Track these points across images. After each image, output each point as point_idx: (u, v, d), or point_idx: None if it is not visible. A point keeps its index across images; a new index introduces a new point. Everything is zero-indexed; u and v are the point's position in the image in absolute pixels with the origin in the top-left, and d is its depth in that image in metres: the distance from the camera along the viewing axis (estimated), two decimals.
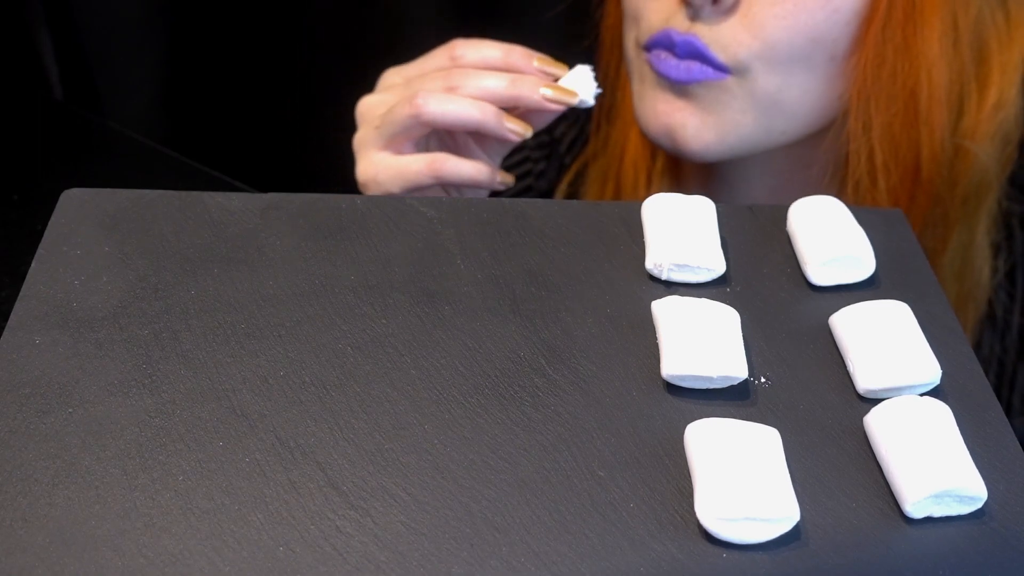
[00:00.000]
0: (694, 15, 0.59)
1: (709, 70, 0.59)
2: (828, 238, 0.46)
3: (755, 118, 0.60)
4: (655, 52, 0.60)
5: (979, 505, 0.38)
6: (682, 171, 0.72)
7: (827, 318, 0.44)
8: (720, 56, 0.58)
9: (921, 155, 0.61)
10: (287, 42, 1.04)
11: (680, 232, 0.46)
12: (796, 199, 0.50)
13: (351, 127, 0.63)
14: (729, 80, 0.59)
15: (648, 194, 0.70)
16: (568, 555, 0.35)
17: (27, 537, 0.34)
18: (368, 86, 0.65)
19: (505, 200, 0.49)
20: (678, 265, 0.45)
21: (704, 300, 0.43)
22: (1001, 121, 0.63)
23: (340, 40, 1.03)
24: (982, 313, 0.69)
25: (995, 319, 0.70)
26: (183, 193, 0.48)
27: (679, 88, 0.60)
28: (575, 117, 0.81)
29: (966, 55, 0.61)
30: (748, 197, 0.69)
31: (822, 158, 0.63)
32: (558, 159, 0.83)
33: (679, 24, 0.59)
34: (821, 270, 0.46)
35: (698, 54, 0.59)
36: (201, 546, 0.35)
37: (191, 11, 0.99)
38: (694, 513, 0.37)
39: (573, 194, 0.78)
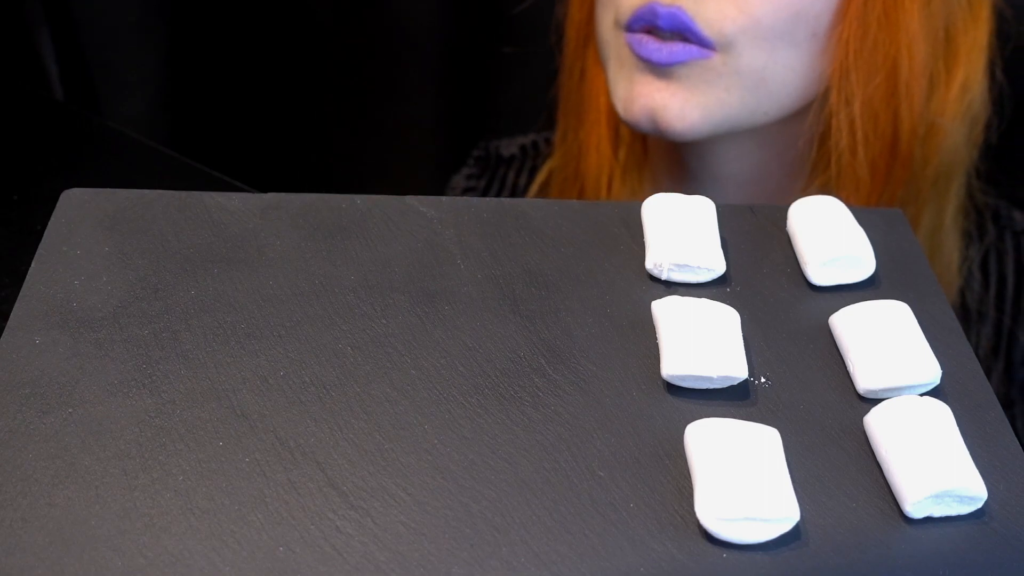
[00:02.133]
0: None
1: (694, 49, 0.58)
2: (828, 238, 0.46)
3: (741, 96, 0.60)
4: (636, 35, 0.60)
5: (979, 505, 0.38)
6: (648, 166, 0.71)
7: (827, 318, 0.44)
8: (706, 31, 0.58)
9: (900, 128, 0.62)
10: (287, 42, 1.04)
11: (680, 232, 0.46)
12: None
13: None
14: (715, 58, 0.59)
15: (611, 194, 0.70)
16: (568, 555, 0.35)
17: (27, 537, 0.34)
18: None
19: (505, 200, 0.49)
20: (678, 265, 0.45)
21: (704, 300, 0.43)
22: (969, 103, 0.64)
23: (340, 40, 1.03)
24: (954, 301, 0.69)
25: (968, 310, 0.70)
26: (183, 193, 0.48)
27: (661, 69, 0.59)
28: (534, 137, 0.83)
29: (939, 32, 0.61)
30: (716, 189, 0.68)
31: (808, 133, 0.63)
32: (500, 173, 0.83)
33: None
34: (821, 270, 0.46)
35: (684, 27, 0.58)
36: (201, 546, 0.35)
37: (191, 11, 0.99)
38: (694, 513, 0.37)
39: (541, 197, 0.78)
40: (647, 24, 0.59)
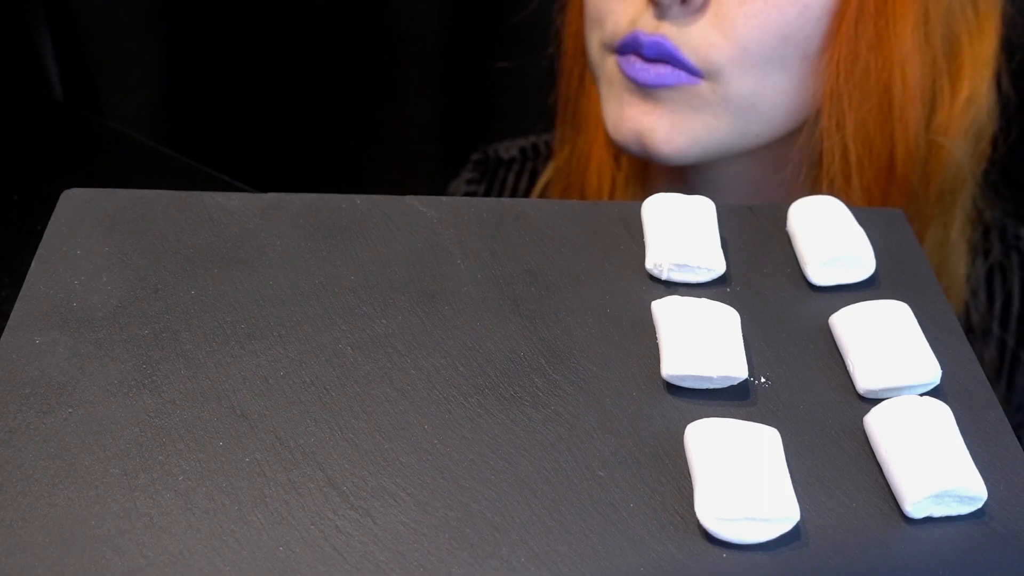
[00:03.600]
0: (661, 15, 0.57)
1: (682, 74, 0.58)
2: (828, 238, 0.46)
3: (730, 122, 0.59)
4: (624, 56, 0.59)
5: (979, 505, 0.38)
6: (648, 178, 0.71)
7: (827, 318, 0.44)
8: (692, 59, 0.57)
9: (895, 152, 0.61)
10: (287, 42, 1.04)
11: (680, 232, 0.46)
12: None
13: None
14: (702, 85, 0.58)
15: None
16: (568, 555, 0.35)
17: (27, 537, 0.34)
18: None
19: (505, 200, 0.49)
20: (678, 265, 0.45)
21: (704, 300, 0.43)
22: (974, 116, 0.62)
23: (340, 40, 1.03)
24: (960, 316, 0.69)
25: (972, 328, 0.69)
26: (183, 193, 0.48)
27: (648, 92, 0.59)
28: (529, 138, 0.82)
29: (938, 49, 0.60)
30: (716, 200, 0.68)
31: (796, 157, 0.63)
32: (500, 176, 0.83)
33: (646, 24, 0.58)
34: (821, 270, 0.46)
35: (668, 55, 0.57)
36: (201, 546, 0.35)
37: (191, 11, 0.99)
38: (694, 513, 0.37)
39: None
40: (631, 51, 0.59)
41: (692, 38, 0.57)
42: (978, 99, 0.62)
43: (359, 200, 0.48)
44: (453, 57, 1.03)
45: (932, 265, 0.65)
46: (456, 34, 1.02)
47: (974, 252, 0.69)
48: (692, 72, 0.58)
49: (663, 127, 0.59)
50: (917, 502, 0.37)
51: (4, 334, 0.41)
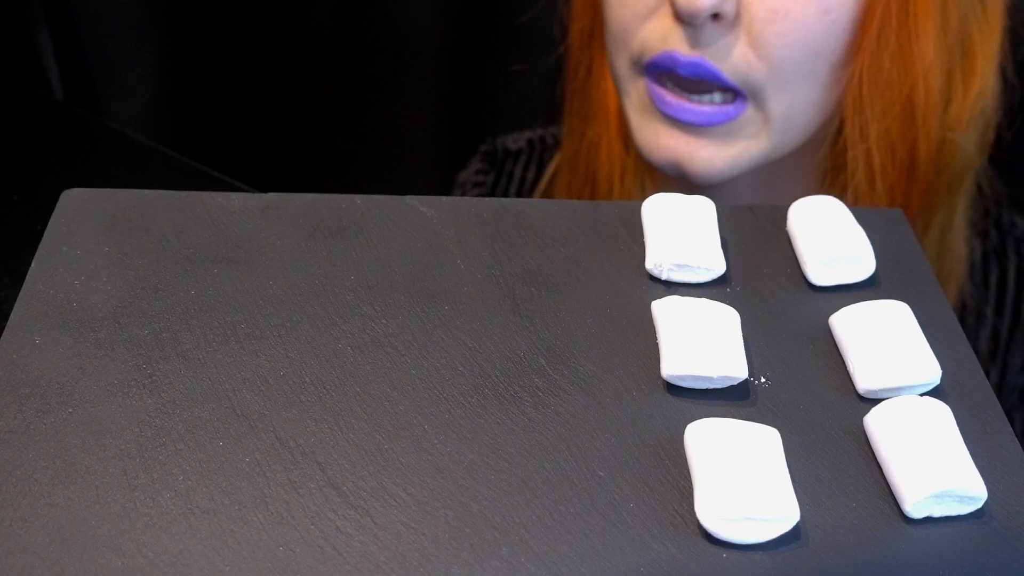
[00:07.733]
0: (695, 34, 0.57)
1: (730, 108, 0.58)
2: (828, 238, 0.46)
3: (768, 138, 0.60)
4: (660, 91, 0.59)
5: (979, 505, 0.38)
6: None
7: (827, 318, 0.44)
8: (734, 79, 0.58)
9: (918, 156, 0.61)
10: (287, 42, 1.04)
11: (680, 232, 0.46)
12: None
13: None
14: (749, 110, 0.59)
15: (623, 187, 0.70)
16: (568, 555, 0.35)
17: (27, 537, 0.34)
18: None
19: (505, 200, 0.49)
20: (678, 265, 0.45)
21: (704, 300, 0.43)
22: (983, 108, 0.63)
23: (340, 40, 1.03)
24: (956, 300, 0.69)
25: (966, 311, 0.70)
26: (183, 193, 0.48)
27: (692, 126, 0.59)
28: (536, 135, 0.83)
29: (955, 51, 0.61)
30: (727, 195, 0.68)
31: (820, 166, 0.63)
32: (508, 167, 0.83)
33: (681, 46, 0.58)
34: (821, 270, 0.46)
35: (710, 75, 0.58)
36: (201, 546, 0.35)
37: (191, 11, 0.99)
38: (694, 513, 0.37)
39: (549, 196, 0.77)
40: (666, 70, 0.59)
41: (733, 58, 0.58)
42: (987, 92, 0.63)
43: (359, 200, 0.48)
44: (453, 57, 1.03)
45: (935, 248, 0.66)
46: (456, 34, 1.02)
47: (971, 234, 0.70)
48: (735, 90, 0.58)
49: (704, 155, 0.60)
50: (917, 502, 0.37)
51: (4, 334, 0.41)
